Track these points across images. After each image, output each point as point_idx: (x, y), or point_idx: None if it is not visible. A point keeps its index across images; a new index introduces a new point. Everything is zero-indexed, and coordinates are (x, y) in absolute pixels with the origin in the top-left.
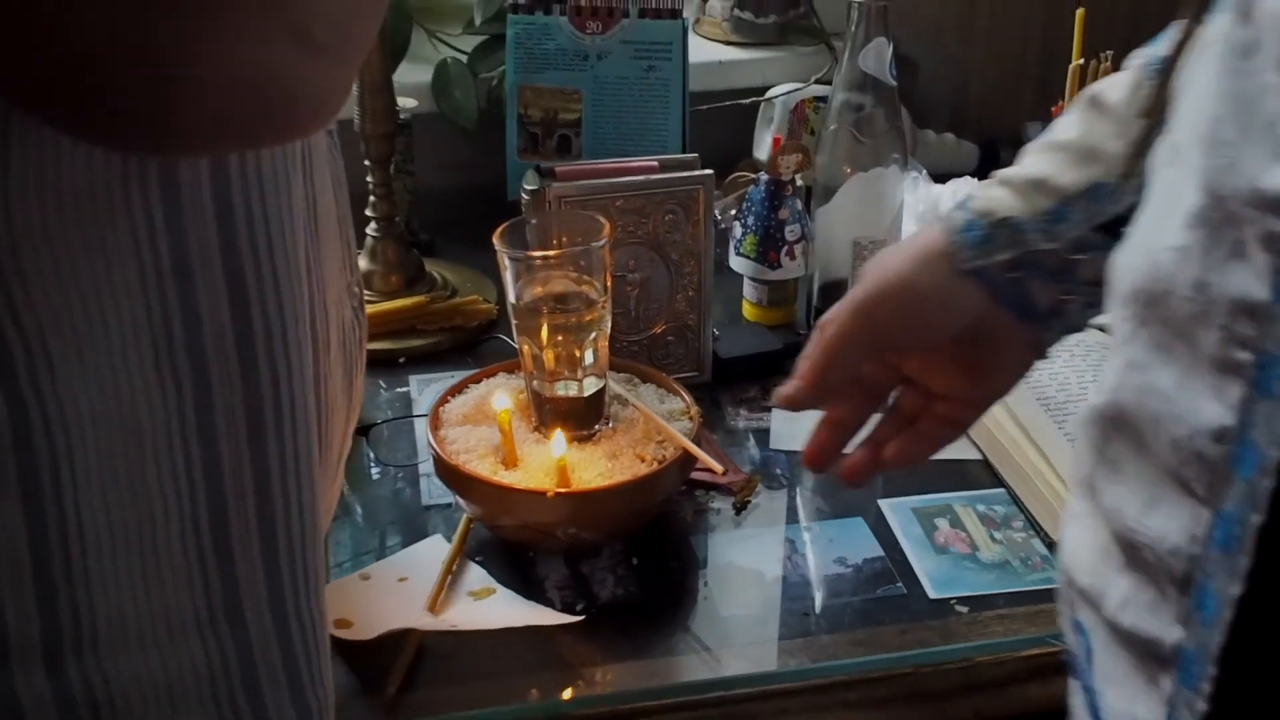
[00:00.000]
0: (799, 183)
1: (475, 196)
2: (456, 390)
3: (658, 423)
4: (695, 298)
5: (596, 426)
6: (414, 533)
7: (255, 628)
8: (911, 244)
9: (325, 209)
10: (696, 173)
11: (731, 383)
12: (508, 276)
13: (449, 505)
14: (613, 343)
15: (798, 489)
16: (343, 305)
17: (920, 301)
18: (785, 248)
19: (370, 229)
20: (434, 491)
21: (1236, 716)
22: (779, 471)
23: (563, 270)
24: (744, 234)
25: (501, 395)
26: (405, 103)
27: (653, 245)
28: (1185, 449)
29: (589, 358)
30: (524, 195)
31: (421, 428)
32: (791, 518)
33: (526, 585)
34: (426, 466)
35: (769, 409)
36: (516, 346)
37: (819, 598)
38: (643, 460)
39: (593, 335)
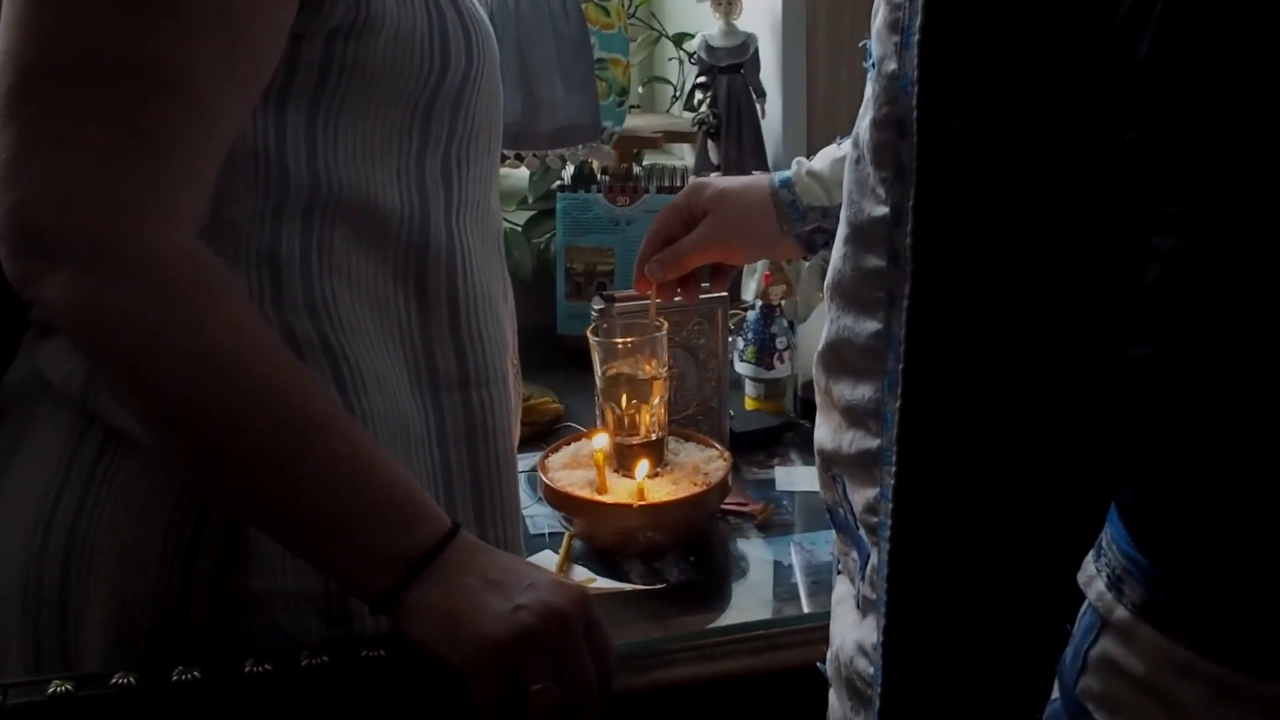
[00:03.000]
0: (784, 306)
1: (531, 334)
2: (554, 450)
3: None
4: (717, 387)
5: (658, 468)
6: (528, 554)
7: None
8: (749, 199)
9: (509, 307)
10: (716, 295)
11: (743, 450)
12: (596, 359)
13: (548, 534)
14: None
15: (795, 514)
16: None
17: (754, 246)
18: (776, 354)
19: None
20: (537, 524)
21: (911, 475)
22: (784, 504)
23: (634, 354)
24: (745, 345)
25: (600, 438)
26: None
27: (686, 348)
28: (862, 348)
29: (653, 418)
30: (594, 312)
31: (521, 487)
32: (791, 531)
33: (617, 577)
34: (529, 510)
35: (772, 466)
36: (600, 413)
37: (806, 578)
38: (695, 485)
39: (655, 401)
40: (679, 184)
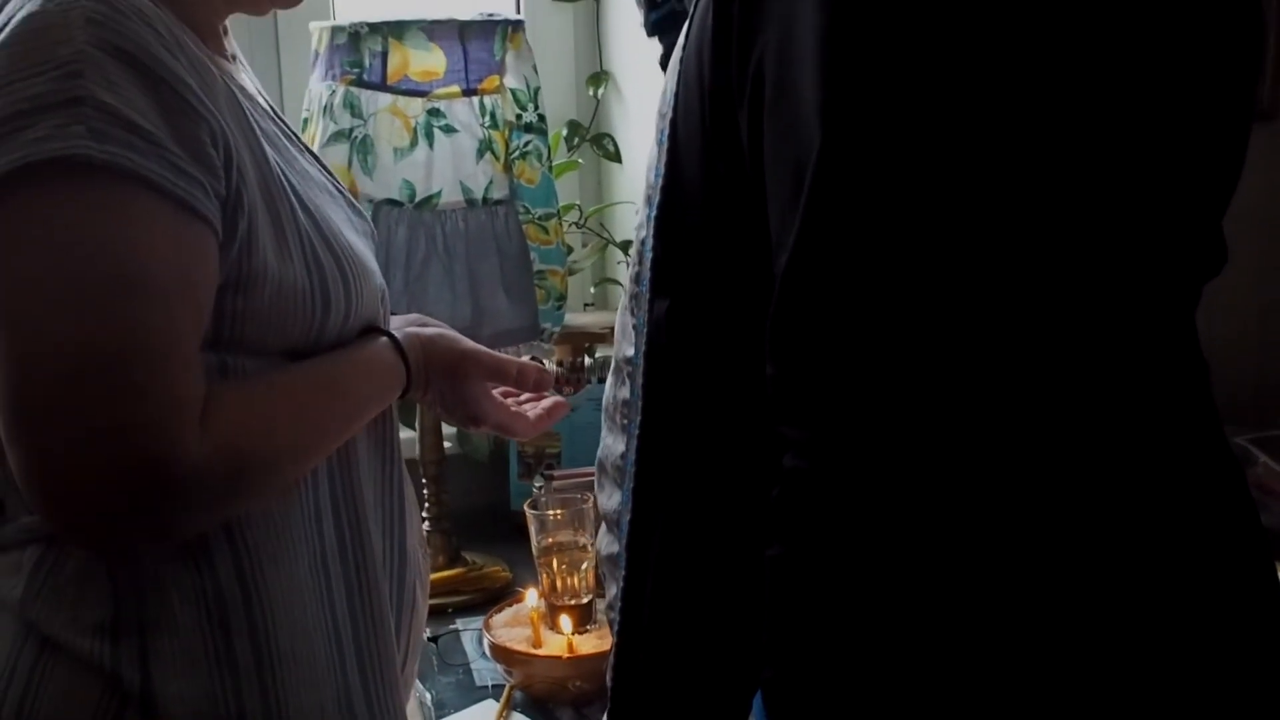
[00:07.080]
0: None
1: (486, 510)
2: (497, 610)
3: None
4: None
5: (588, 625)
6: (472, 703)
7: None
8: None
9: (411, 499)
10: None
11: None
12: (533, 529)
13: (491, 685)
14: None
15: None
16: (418, 546)
17: None
18: None
19: (424, 525)
20: (482, 676)
21: (637, 541)
22: None
23: (566, 525)
24: None
25: (532, 596)
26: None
27: None
28: (614, 466)
29: (582, 581)
30: (535, 489)
31: (468, 644)
32: None
33: None
34: (476, 665)
35: None
36: (538, 577)
37: None
38: None
39: (584, 566)
40: None
